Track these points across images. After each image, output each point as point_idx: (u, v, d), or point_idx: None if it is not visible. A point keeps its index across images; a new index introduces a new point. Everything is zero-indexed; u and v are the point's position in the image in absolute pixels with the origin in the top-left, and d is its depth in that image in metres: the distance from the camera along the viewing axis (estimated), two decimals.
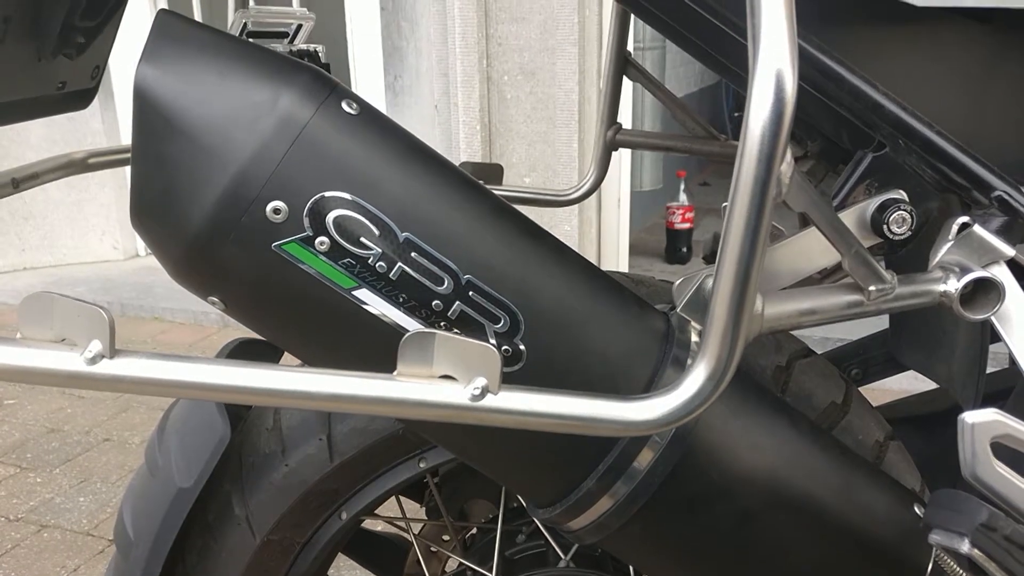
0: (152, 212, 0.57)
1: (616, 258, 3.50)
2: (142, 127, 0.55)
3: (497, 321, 0.58)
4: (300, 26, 1.08)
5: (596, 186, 1.16)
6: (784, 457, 0.66)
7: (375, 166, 0.57)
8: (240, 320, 0.61)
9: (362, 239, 0.56)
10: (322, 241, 0.55)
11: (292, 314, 0.58)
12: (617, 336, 0.62)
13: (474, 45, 3.15)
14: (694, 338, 0.65)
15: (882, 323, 1.14)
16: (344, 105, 0.57)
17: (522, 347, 0.59)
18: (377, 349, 0.58)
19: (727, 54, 0.88)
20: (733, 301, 0.49)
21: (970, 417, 0.57)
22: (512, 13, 3.12)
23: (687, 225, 4.52)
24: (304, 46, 1.04)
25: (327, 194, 0.55)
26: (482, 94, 3.21)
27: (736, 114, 7.71)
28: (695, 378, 0.51)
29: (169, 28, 0.56)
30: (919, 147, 0.67)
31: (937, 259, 0.66)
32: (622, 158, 3.67)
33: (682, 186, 4.54)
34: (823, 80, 0.67)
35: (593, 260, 3.39)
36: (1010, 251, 0.66)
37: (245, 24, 1.04)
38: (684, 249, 4.55)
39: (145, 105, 0.54)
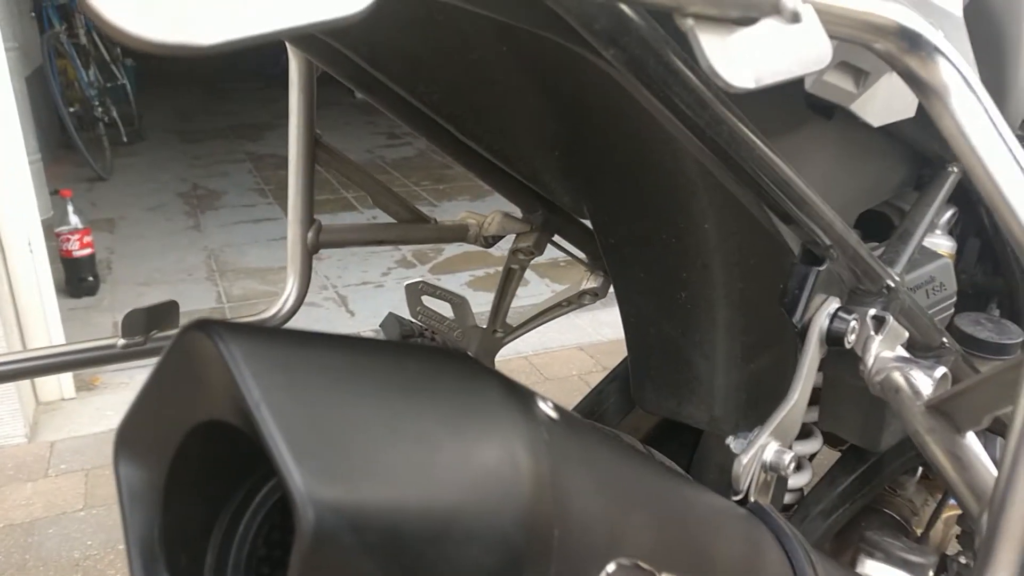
0: None
1: (43, 313, 2.83)
2: None
3: None
4: None
5: (302, 298, 0.93)
6: None
7: (620, 501, 0.36)
8: None
9: None
10: None
11: None
12: (765, 561, 0.51)
13: None
14: (779, 520, 0.57)
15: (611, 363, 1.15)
16: (546, 409, 0.34)
17: None
18: None
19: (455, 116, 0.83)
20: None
21: None
22: None
23: (88, 251, 3.94)
24: None
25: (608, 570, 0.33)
26: None
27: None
28: None
29: (275, 373, 0.26)
30: (849, 257, 0.68)
31: (873, 358, 0.69)
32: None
33: (70, 207, 3.91)
34: (779, 197, 0.62)
35: (12, 322, 2.75)
36: (905, 332, 0.72)
37: None
38: (90, 278, 3.97)
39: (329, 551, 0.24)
